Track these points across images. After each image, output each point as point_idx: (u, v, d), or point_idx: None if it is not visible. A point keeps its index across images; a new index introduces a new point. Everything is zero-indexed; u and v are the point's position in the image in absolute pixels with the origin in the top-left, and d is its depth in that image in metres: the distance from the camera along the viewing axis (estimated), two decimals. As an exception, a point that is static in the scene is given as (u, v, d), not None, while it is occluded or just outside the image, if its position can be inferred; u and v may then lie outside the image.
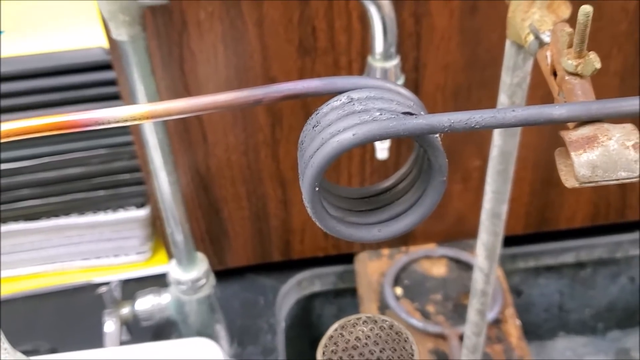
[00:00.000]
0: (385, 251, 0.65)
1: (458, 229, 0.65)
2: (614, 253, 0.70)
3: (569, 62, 0.23)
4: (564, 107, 0.21)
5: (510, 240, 0.62)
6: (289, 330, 0.65)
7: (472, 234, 0.65)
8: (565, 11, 0.29)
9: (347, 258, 0.66)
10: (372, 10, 0.40)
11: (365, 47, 0.52)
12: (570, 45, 0.23)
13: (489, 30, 0.52)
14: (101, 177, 0.59)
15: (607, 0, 0.51)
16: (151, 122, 0.43)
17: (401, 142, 0.56)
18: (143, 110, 0.23)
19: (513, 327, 0.58)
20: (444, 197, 0.64)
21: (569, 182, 0.21)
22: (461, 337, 0.56)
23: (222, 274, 0.61)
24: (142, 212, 0.62)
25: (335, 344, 0.31)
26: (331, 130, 0.22)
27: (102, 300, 0.54)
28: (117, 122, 0.23)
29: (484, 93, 0.55)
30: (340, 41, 0.51)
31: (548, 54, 0.25)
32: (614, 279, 0.73)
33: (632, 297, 0.75)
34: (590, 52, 0.22)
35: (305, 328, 0.70)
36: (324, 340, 0.32)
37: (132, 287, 0.58)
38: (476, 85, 0.55)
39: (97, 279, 0.65)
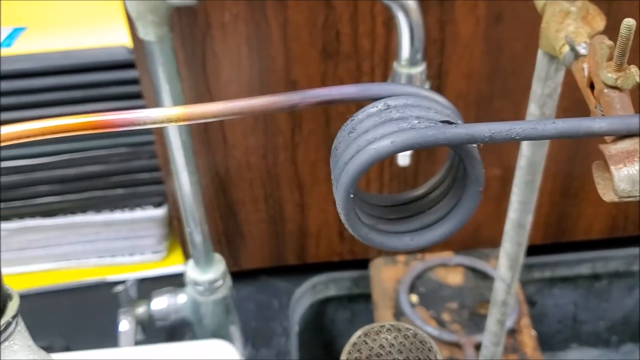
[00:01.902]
0: (401, 258, 0.65)
1: (475, 238, 0.64)
2: (630, 266, 0.69)
3: (609, 75, 0.22)
4: (605, 120, 0.21)
5: (527, 250, 0.62)
6: (302, 333, 0.65)
7: (489, 243, 0.65)
8: (600, 23, 0.29)
9: (362, 263, 0.66)
10: (400, 16, 0.40)
11: (389, 52, 0.52)
12: (610, 59, 0.23)
13: (513, 40, 0.52)
14: (120, 175, 0.59)
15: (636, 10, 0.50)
16: (175, 126, 0.43)
17: (421, 150, 0.56)
18: (179, 112, 0.23)
19: (528, 338, 0.57)
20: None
21: (607, 196, 0.21)
22: (476, 346, 0.56)
23: (237, 276, 0.61)
24: (160, 212, 0.62)
25: (359, 351, 0.31)
26: (368, 138, 0.22)
27: (116, 298, 0.54)
28: (153, 123, 0.23)
29: (506, 102, 0.55)
30: (363, 46, 0.51)
31: (585, 66, 0.25)
32: (629, 292, 0.73)
33: (647, 310, 0.75)
34: (631, 66, 0.22)
35: (318, 332, 0.70)
36: (347, 347, 0.31)
37: (147, 287, 0.58)
38: (498, 94, 0.55)
39: (111, 277, 0.65)
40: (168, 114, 0.22)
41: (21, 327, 0.29)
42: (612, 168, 0.21)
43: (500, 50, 0.52)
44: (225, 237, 0.61)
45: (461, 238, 0.65)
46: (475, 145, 0.22)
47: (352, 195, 0.22)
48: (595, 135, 0.21)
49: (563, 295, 0.72)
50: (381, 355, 0.31)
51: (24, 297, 0.55)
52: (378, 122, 0.22)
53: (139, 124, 0.23)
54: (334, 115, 0.55)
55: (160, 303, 0.54)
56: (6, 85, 0.54)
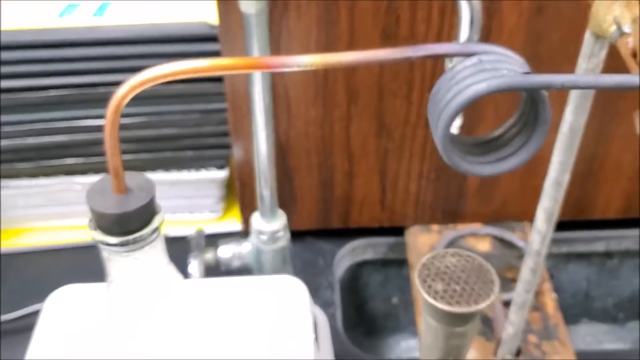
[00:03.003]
0: (435, 227, 0.72)
1: (503, 211, 0.71)
2: (640, 245, 0.76)
3: (651, 44, 0.29)
4: (648, 76, 0.28)
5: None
6: (339, 293, 0.72)
7: (515, 216, 0.72)
8: (637, 9, 0.35)
9: (398, 231, 0.73)
10: (463, 3, 0.46)
11: (441, 37, 0.58)
12: (652, 32, 0.29)
13: (551, 31, 0.59)
14: (191, 138, 0.66)
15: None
16: (261, 89, 0.50)
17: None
18: (319, 59, 0.29)
19: (549, 299, 0.64)
20: (492, 180, 0.71)
21: (646, 133, 0.28)
22: (504, 303, 0.62)
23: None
24: (222, 174, 0.69)
25: (428, 269, 0.38)
26: (467, 82, 0.29)
27: (179, 249, 0.61)
28: (299, 66, 0.29)
29: (540, 87, 0.62)
30: (419, 30, 0.58)
31: (630, 39, 0.32)
32: (638, 271, 0.80)
33: (653, 290, 0.81)
34: (670, 37, 0.29)
35: (354, 293, 0.77)
36: (418, 267, 0.38)
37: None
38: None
39: (171, 232, 0.72)
40: (311, 60, 0.29)
41: (160, 239, 0.35)
42: (652, 111, 0.28)
43: (539, 40, 0.59)
44: (280, 199, 0.68)
45: (490, 211, 0.71)
46: (547, 92, 0.29)
47: (450, 129, 0.29)
48: (638, 88, 0.28)
49: (577, 271, 0.79)
50: (447, 272, 0.38)
51: (94, 246, 0.66)
52: (474, 71, 0.29)
53: (289, 67, 0.29)
54: (387, 92, 0.62)
55: (226, 250, 0.61)
56: (99, 51, 0.61)
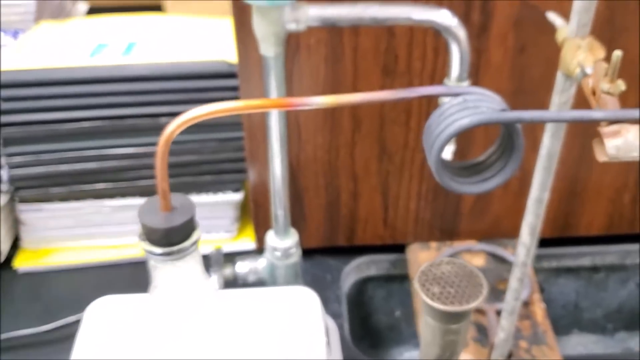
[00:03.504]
0: (433, 244, 0.78)
1: (496, 229, 0.78)
2: (624, 260, 0.82)
3: (605, 85, 0.36)
4: (601, 112, 0.34)
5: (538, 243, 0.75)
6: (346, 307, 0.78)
7: (507, 234, 0.79)
8: (601, 53, 0.42)
9: (399, 248, 0.79)
10: (453, 45, 0.53)
11: (435, 73, 0.65)
12: (605, 75, 0.36)
13: (533, 67, 0.66)
14: (209, 164, 0.73)
15: (629, 47, 0.64)
16: (277, 120, 0.57)
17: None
18: (332, 100, 0.36)
19: (539, 308, 0.70)
20: (486, 200, 0.77)
21: (602, 158, 0.35)
22: (497, 312, 0.68)
23: (298, 252, 0.74)
24: (237, 196, 0.75)
25: (426, 275, 0.44)
26: (453, 118, 0.35)
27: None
28: (318, 105, 0.36)
29: (525, 115, 0.69)
30: (415, 67, 0.65)
31: (590, 80, 0.38)
32: (623, 284, 0.86)
33: (638, 302, 0.87)
34: (619, 79, 0.36)
35: (359, 307, 0.82)
36: (418, 274, 0.45)
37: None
38: (520, 109, 0.68)
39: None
40: (327, 100, 0.36)
41: (197, 250, 0.41)
42: (605, 140, 0.34)
43: (523, 75, 0.66)
44: (291, 218, 0.75)
45: (484, 229, 0.78)
46: (520, 124, 0.35)
47: (441, 155, 0.36)
48: (595, 121, 0.34)
49: (567, 284, 0.85)
50: (442, 278, 0.44)
51: (123, 264, 0.75)
52: (459, 109, 0.35)
53: (307, 106, 0.36)
54: (387, 120, 0.68)
55: (244, 266, 0.67)
56: (127, 86, 0.68)
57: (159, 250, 0.39)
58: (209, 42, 0.75)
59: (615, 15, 0.63)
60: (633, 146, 0.34)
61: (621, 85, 0.35)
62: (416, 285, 0.43)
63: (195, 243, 0.41)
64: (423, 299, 0.43)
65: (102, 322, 0.54)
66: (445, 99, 0.38)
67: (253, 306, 0.54)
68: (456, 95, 0.36)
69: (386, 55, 0.64)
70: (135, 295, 0.57)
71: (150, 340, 0.45)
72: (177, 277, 0.42)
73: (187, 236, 0.40)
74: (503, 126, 0.36)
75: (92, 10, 1.14)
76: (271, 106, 0.36)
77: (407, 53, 0.64)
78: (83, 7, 1.20)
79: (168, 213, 0.39)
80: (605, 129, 0.34)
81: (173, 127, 0.36)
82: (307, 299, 0.56)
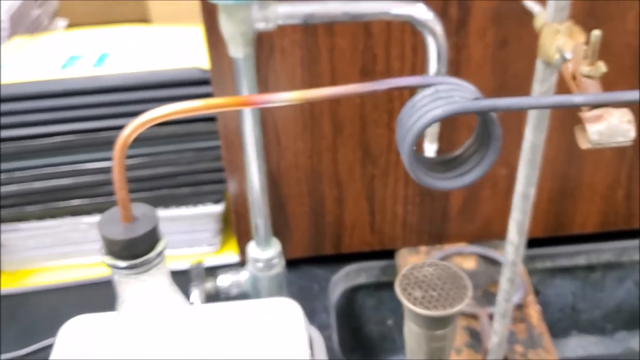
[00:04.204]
0: (423, 248, 0.76)
1: (486, 231, 0.75)
2: (620, 257, 0.80)
3: (584, 68, 0.34)
4: (582, 96, 0.32)
5: (530, 243, 0.73)
6: (335, 318, 0.75)
7: (498, 235, 0.76)
8: (580, 37, 0.40)
9: (389, 254, 0.77)
10: (429, 39, 0.51)
11: (414, 72, 0.63)
12: (585, 57, 0.34)
13: (516, 62, 0.64)
14: (186, 175, 0.70)
15: (615, 36, 0.62)
16: (251, 125, 0.55)
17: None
18: (299, 95, 0.34)
19: (533, 310, 0.68)
20: (474, 201, 0.75)
21: (584, 145, 0.32)
22: (489, 316, 0.66)
23: (283, 263, 0.72)
24: (218, 208, 0.73)
25: (407, 278, 0.42)
26: (425, 109, 0.33)
27: (180, 282, 0.64)
28: (281, 102, 0.34)
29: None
30: (394, 66, 0.63)
31: (570, 64, 0.36)
32: (620, 282, 0.83)
33: (637, 300, 0.85)
34: (599, 61, 0.33)
35: (349, 318, 0.80)
36: (399, 277, 0.42)
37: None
38: (504, 105, 0.66)
39: (173, 266, 0.75)
40: (292, 96, 0.34)
41: (164, 263, 0.39)
42: (587, 125, 0.32)
43: (505, 70, 0.64)
44: (274, 228, 0.72)
45: (474, 231, 0.75)
46: (496, 113, 0.33)
47: (414, 148, 0.34)
48: (575, 106, 0.32)
49: (563, 285, 0.83)
50: (425, 281, 0.42)
51: (103, 283, 0.72)
52: (431, 99, 0.33)
53: (272, 103, 0.34)
54: (369, 122, 0.66)
55: (225, 279, 0.65)
56: (100, 98, 0.66)
57: (121, 263, 0.37)
58: (184, 50, 0.73)
59: (596, 6, 0.61)
60: (617, 131, 0.32)
61: (602, 67, 0.33)
62: (397, 289, 0.41)
63: (160, 254, 0.38)
64: (405, 304, 0.40)
65: (75, 343, 0.52)
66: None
67: (232, 320, 0.52)
68: (428, 85, 0.34)
69: (364, 55, 0.62)
70: (110, 314, 0.54)
71: (123, 356, 0.42)
72: (144, 291, 0.39)
73: (150, 247, 0.37)
74: (479, 117, 0.34)
75: (72, 26, 1.13)
76: (232, 105, 0.34)
77: (386, 52, 0.62)
78: (62, 22, 1.19)
79: (129, 224, 0.37)
80: (586, 114, 0.32)
81: (129, 131, 0.34)
82: (289, 310, 0.54)
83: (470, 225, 0.75)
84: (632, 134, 0.32)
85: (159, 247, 0.38)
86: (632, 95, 0.32)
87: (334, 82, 0.63)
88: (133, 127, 0.34)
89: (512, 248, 0.51)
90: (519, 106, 0.32)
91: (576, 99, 0.32)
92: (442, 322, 0.41)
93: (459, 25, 0.61)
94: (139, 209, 0.38)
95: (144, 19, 1.13)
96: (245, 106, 0.34)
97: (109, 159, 0.69)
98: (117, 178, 0.35)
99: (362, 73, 0.63)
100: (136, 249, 0.36)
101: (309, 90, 0.34)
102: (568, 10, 0.40)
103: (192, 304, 0.64)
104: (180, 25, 0.83)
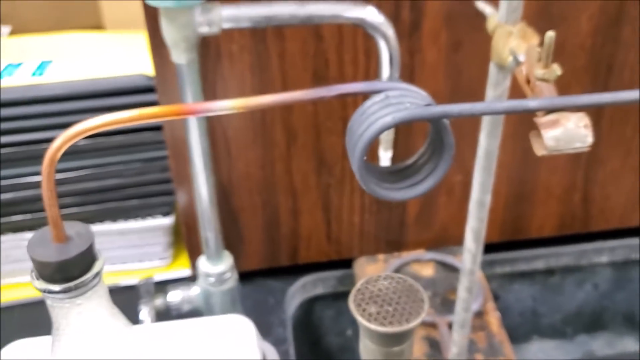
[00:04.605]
0: (381, 256, 0.74)
1: (443, 237, 0.74)
2: (579, 260, 0.80)
3: (539, 71, 0.33)
4: (536, 100, 0.31)
5: (488, 248, 0.72)
6: (293, 331, 0.73)
7: (455, 241, 0.75)
8: (534, 39, 0.39)
9: (346, 263, 0.75)
10: (382, 44, 0.50)
11: (368, 77, 0.62)
12: (539, 60, 0.33)
13: (470, 65, 0.63)
14: (134, 187, 0.67)
15: (569, 37, 0.62)
16: (197, 134, 0.52)
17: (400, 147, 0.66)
18: (240, 103, 0.32)
19: (493, 318, 0.67)
20: (430, 208, 0.74)
21: (540, 151, 0.31)
22: (449, 325, 0.65)
23: (238, 276, 0.69)
24: (168, 220, 0.70)
25: (362, 293, 0.40)
26: (375, 116, 0.31)
27: (130, 298, 0.62)
28: (222, 110, 0.32)
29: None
30: (347, 72, 0.61)
31: (523, 67, 0.35)
32: (579, 285, 0.83)
33: (596, 303, 0.85)
34: (554, 64, 0.32)
35: (306, 330, 0.78)
36: (353, 292, 0.40)
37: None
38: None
39: (123, 282, 0.72)
40: (233, 104, 0.32)
41: (102, 284, 0.36)
42: (542, 132, 0.31)
43: (460, 73, 0.63)
44: (226, 241, 0.70)
45: (431, 237, 0.74)
46: (448, 120, 0.31)
47: (365, 158, 0.32)
48: (530, 111, 0.31)
49: (522, 290, 0.82)
50: (380, 295, 0.40)
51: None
52: (381, 106, 0.32)
53: (212, 111, 0.32)
54: (324, 130, 0.64)
55: (176, 295, 0.62)
56: (41, 108, 0.62)
57: (54, 287, 0.34)
58: (133, 57, 0.70)
59: (550, 6, 0.60)
60: (574, 136, 0.30)
61: (557, 70, 0.32)
62: (351, 305, 0.39)
63: (97, 275, 0.35)
64: (359, 320, 0.38)
65: (12, 369, 0.48)
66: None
67: (180, 340, 0.49)
68: (378, 91, 0.33)
69: (315, 59, 0.60)
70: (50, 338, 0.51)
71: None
72: (81, 317, 0.36)
73: (86, 269, 0.35)
74: (431, 124, 0.33)
75: (17, 33, 1.08)
76: (167, 114, 0.31)
77: (338, 57, 0.60)
78: (5, 29, 1.14)
79: (62, 244, 0.34)
80: (542, 119, 0.31)
81: (58, 144, 0.32)
82: (240, 327, 0.51)
83: (428, 232, 0.74)
84: (590, 139, 0.31)
85: (95, 268, 0.35)
86: (588, 99, 0.30)
87: (285, 88, 0.61)
88: (62, 140, 0.31)
89: (469, 256, 0.50)
90: (471, 112, 0.31)
91: (530, 103, 0.31)
92: (398, 338, 0.39)
93: (412, 28, 0.59)
94: (73, 227, 0.35)
95: (97, 25, 1.09)
96: (182, 115, 0.32)
97: (50, 172, 0.66)
98: (47, 195, 0.32)
99: (314, 79, 0.61)
100: (70, 272, 0.34)
101: (252, 98, 0.32)
102: (521, 11, 0.39)
103: (141, 322, 0.61)
104: (134, 32, 0.80)
